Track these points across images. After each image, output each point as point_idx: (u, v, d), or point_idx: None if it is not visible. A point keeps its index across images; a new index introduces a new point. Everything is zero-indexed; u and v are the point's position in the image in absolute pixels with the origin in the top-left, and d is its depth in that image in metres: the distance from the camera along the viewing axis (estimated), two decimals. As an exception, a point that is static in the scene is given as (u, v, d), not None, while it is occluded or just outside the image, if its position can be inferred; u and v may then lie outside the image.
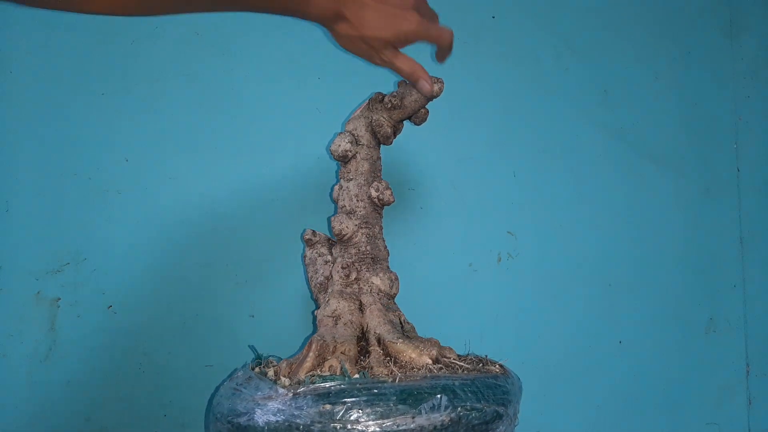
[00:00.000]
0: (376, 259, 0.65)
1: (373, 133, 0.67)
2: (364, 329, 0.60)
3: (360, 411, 0.46)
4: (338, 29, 0.52)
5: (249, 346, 0.68)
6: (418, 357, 0.54)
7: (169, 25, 0.80)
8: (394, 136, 0.69)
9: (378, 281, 0.63)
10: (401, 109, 0.65)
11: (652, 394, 0.95)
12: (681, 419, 0.96)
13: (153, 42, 0.80)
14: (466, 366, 0.55)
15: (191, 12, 0.49)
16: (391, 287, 0.64)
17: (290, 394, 0.48)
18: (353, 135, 0.66)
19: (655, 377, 0.96)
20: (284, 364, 0.57)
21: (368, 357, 0.55)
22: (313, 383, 0.49)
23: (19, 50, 0.75)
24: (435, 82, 0.63)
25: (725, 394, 0.99)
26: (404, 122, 0.70)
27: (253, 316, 0.79)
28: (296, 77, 0.85)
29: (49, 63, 0.76)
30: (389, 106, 0.65)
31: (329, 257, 0.67)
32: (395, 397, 0.47)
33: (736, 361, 1.01)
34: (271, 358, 0.63)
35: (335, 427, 0.46)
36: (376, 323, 0.59)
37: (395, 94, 0.65)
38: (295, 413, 0.47)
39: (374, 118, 0.66)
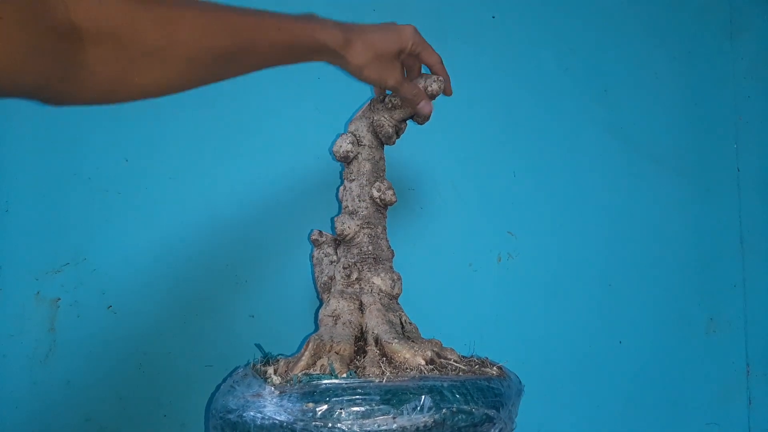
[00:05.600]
0: (378, 259, 0.64)
1: (375, 134, 0.67)
2: (363, 329, 0.60)
3: (342, 410, 0.46)
4: (350, 56, 0.55)
5: (255, 344, 0.68)
6: (412, 357, 0.54)
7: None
8: (397, 136, 0.68)
9: (379, 281, 0.63)
10: (402, 109, 0.65)
11: (652, 395, 0.95)
12: (681, 419, 0.96)
13: (153, 42, 0.80)
14: (462, 368, 0.54)
15: (222, 80, 0.49)
16: (392, 287, 0.64)
17: (277, 393, 0.48)
18: (355, 136, 0.66)
19: (655, 377, 0.96)
20: (281, 363, 0.57)
21: (364, 357, 0.55)
22: (300, 382, 0.49)
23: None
24: (435, 81, 0.63)
25: (725, 394, 0.99)
26: (407, 122, 0.70)
27: (253, 316, 0.79)
28: (296, 77, 0.85)
29: (49, 63, 0.76)
30: (390, 106, 0.65)
31: (335, 257, 0.68)
32: (379, 397, 0.46)
33: (736, 361, 1.01)
34: (279, 357, 0.62)
35: (317, 426, 0.46)
36: (375, 323, 0.59)
37: (396, 94, 0.65)
38: (280, 411, 0.47)
39: (375, 118, 0.66)
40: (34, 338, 0.72)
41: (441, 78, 0.63)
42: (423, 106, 0.63)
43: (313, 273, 0.69)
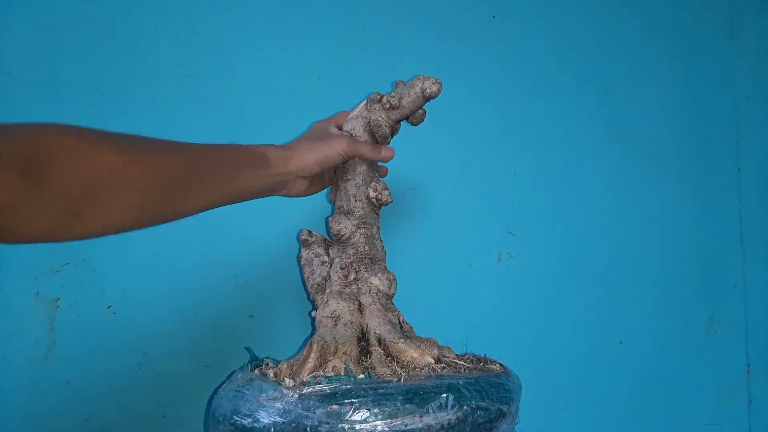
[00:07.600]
0: (375, 260, 0.64)
1: (372, 134, 0.67)
2: (364, 330, 0.60)
3: (368, 411, 0.46)
4: (296, 151, 0.59)
5: (245, 347, 0.68)
6: (420, 357, 0.54)
7: (168, 25, 0.81)
8: (392, 137, 0.69)
9: (377, 281, 0.63)
10: (399, 110, 0.65)
11: (652, 395, 0.95)
12: (681, 419, 0.96)
13: (153, 42, 0.80)
14: (468, 365, 0.55)
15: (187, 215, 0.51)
16: (389, 287, 0.64)
17: (296, 395, 0.48)
18: (351, 135, 0.66)
19: (655, 377, 0.96)
20: (284, 366, 0.57)
21: (369, 357, 0.55)
22: (318, 384, 0.49)
23: (18, 50, 0.75)
24: (434, 83, 0.62)
25: (725, 394, 0.99)
26: (402, 122, 0.70)
27: (252, 316, 0.79)
28: (296, 77, 0.85)
29: (49, 63, 0.76)
30: (387, 106, 0.65)
31: (326, 258, 0.67)
32: (402, 397, 0.47)
33: (737, 361, 1.01)
34: (267, 360, 0.62)
35: (343, 428, 0.46)
36: (377, 323, 0.59)
37: (393, 94, 0.65)
38: (303, 414, 0.46)
39: (372, 118, 0.66)
40: (34, 338, 0.72)
41: (438, 80, 0.63)
42: (386, 154, 0.66)
43: (302, 274, 0.69)
